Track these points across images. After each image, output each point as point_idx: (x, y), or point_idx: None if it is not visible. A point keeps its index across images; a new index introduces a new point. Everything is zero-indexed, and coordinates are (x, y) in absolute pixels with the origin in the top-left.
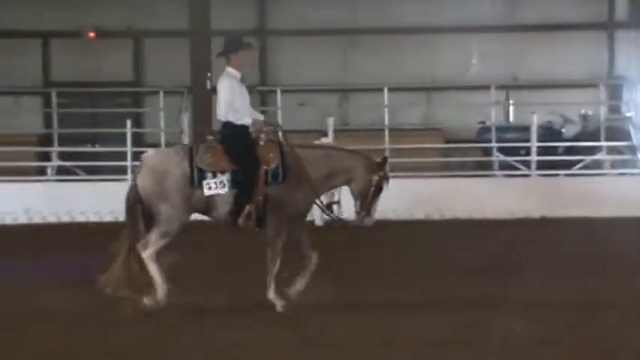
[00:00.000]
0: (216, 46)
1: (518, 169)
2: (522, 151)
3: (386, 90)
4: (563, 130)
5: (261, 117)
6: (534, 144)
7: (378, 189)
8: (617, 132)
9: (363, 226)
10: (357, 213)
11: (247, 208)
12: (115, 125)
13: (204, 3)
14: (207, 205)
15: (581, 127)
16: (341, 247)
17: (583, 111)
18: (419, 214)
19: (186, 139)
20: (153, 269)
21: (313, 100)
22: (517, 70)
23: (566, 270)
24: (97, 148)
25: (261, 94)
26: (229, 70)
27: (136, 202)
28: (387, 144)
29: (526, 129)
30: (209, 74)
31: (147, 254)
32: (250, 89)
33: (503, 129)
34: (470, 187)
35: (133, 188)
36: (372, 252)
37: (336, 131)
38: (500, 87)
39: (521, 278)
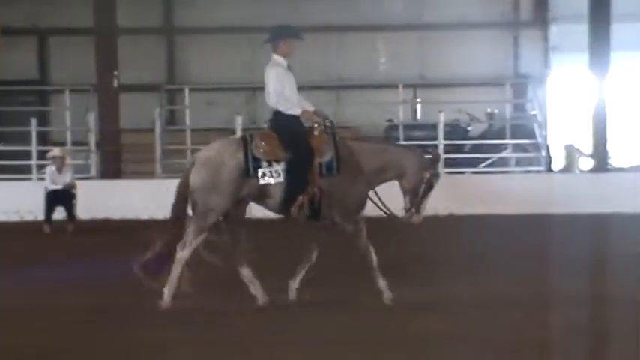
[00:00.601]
0: (123, 44)
1: None
2: (430, 149)
3: None
4: (470, 129)
5: (310, 107)
6: (441, 142)
7: (429, 186)
8: (522, 130)
9: (412, 224)
10: (406, 210)
11: (300, 198)
12: (19, 124)
13: (110, 0)
14: (261, 193)
15: (488, 126)
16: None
17: (489, 109)
18: None
19: (92, 138)
20: (176, 272)
21: (221, 99)
22: (424, 68)
23: (472, 267)
24: (1, 147)
25: (168, 93)
26: (276, 58)
27: (185, 198)
28: None
29: (433, 127)
30: (115, 72)
31: (182, 256)
32: (158, 88)
33: (411, 127)
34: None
35: (185, 182)
36: (274, 251)
37: (244, 130)
38: (408, 85)
39: (428, 275)
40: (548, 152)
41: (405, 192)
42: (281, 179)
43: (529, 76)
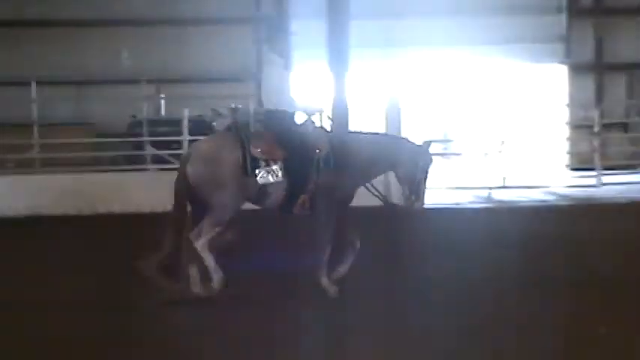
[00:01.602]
0: None
1: (170, 162)
2: (174, 145)
3: (33, 84)
4: (215, 124)
5: (307, 104)
6: (186, 137)
7: (425, 173)
8: None
9: (414, 211)
10: (407, 198)
11: (303, 196)
12: None
13: None
14: (259, 193)
15: (232, 121)
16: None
17: (233, 104)
18: (71, 210)
19: None
20: (207, 258)
21: None
22: (168, 63)
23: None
24: None
25: None
26: (273, 56)
27: (184, 191)
28: (36, 139)
29: (177, 123)
30: None
31: (200, 244)
32: None
33: (155, 123)
34: (123, 182)
35: (182, 176)
36: (26, 251)
37: None
38: (152, 81)
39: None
40: None
41: (401, 181)
42: (279, 178)
43: None
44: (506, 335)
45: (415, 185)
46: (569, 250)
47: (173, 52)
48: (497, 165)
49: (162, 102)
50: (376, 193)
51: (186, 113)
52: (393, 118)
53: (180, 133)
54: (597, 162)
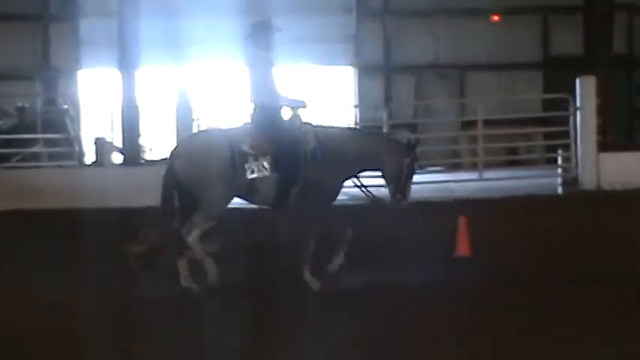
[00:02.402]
0: None
1: None
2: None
3: None
4: (0, 123)
5: (293, 99)
6: None
7: (410, 172)
8: (53, 124)
9: (400, 209)
10: (392, 196)
11: (294, 189)
12: None
13: None
14: (249, 188)
15: (18, 120)
16: None
17: (19, 103)
18: None
19: None
20: (198, 251)
21: None
22: None
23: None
24: None
25: None
26: (259, 52)
27: (173, 187)
28: None
29: None
30: None
31: (192, 238)
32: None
33: None
34: None
35: (170, 172)
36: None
37: None
38: None
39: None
40: (80, 146)
41: (387, 179)
42: (267, 173)
43: (59, 70)
44: (313, 335)
45: (401, 183)
46: (369, 250)
47: None
48: None
49: None
50: (364, 189)
51: None
52: (184, 110)
53: None
54: None
